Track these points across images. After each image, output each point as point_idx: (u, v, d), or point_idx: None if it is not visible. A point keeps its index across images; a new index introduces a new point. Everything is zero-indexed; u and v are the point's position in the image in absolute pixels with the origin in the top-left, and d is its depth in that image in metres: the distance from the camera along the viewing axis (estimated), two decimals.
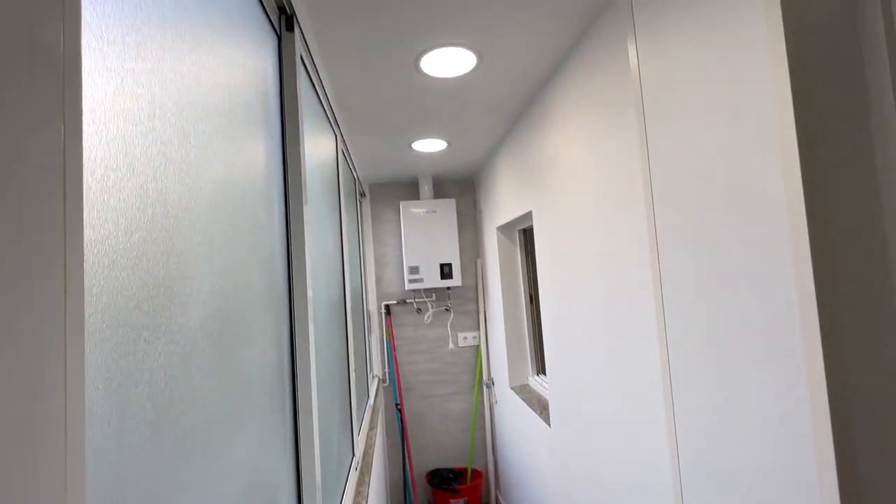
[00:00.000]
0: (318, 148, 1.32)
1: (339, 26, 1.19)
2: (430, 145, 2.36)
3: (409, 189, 3.21)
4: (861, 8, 0.65)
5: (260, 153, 0.77)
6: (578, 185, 1.45)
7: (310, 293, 0.95)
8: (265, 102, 0.82)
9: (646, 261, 1.07)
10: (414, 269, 3.00)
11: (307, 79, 1.15)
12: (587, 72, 1.31)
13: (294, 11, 0.96)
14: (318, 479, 0.90)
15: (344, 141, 1.90)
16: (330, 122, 1.58)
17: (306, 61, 1.12)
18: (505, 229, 2.68)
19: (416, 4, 1.13)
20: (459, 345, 3.17)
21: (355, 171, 2.49)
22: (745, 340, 0.75)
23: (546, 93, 1.66)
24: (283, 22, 0.97)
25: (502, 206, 2.51)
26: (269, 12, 0.87)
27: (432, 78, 1.54)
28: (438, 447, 3.11)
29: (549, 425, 1.92)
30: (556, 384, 1.82)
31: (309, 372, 0.91)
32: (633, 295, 1.14)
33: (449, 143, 2.37)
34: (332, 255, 1.47)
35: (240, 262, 0.63)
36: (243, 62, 0.71)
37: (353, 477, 1.49)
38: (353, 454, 1.57)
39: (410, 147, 2.36)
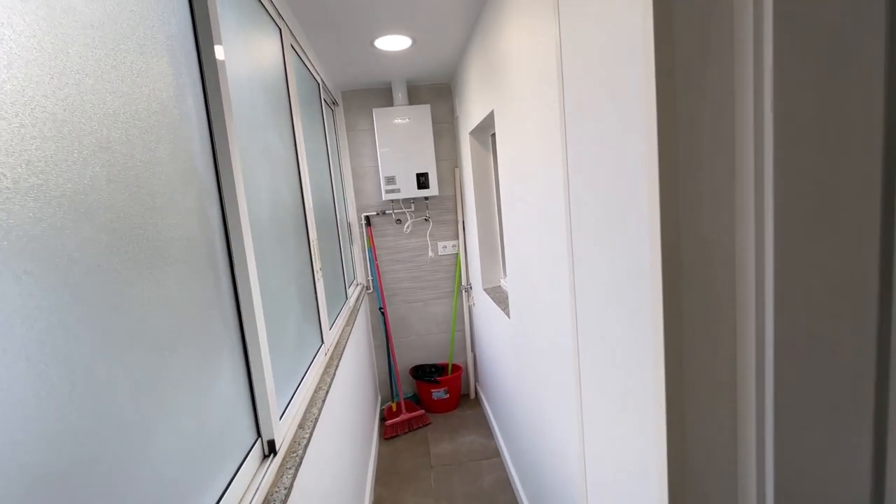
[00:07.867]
0: (253, 45, 1.27)
1: None
2: (394, 42, 2.24)
3: (383, 96, 3.10)
4: None
5: (164, 63, 0.75)
6: (525, 83, 1.41)
7: (243, 208, 0.97)
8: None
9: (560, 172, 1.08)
10: (390, 180, 3.00)
11: None
12: None
13: None
14: (265, 344, 1.02)
15: (293, 36, 1.81)
16: (270, 14, 1.50)
17: None
18: (477, 133, 2.64)
19: None
20: (439, 253, 3.28)
21: (318, 74, 2.39)
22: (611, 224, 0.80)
23: None
24: None
25: (472, 108, 2.45)
26: None
27: None
28: (422, 346, 3.37)
29: (509, 317, 2.07)
30: (513, 281, 1.93)
31: (246, 266, 0.97)
32: (557, 203, 1.17)
33: (414, 41, 2.25)
34: (283, 167, 1.47)
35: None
36: None
37: (322, 359, 1.66)
38: (323, 342, 1.73)
39: (373, 45, 2.25)
